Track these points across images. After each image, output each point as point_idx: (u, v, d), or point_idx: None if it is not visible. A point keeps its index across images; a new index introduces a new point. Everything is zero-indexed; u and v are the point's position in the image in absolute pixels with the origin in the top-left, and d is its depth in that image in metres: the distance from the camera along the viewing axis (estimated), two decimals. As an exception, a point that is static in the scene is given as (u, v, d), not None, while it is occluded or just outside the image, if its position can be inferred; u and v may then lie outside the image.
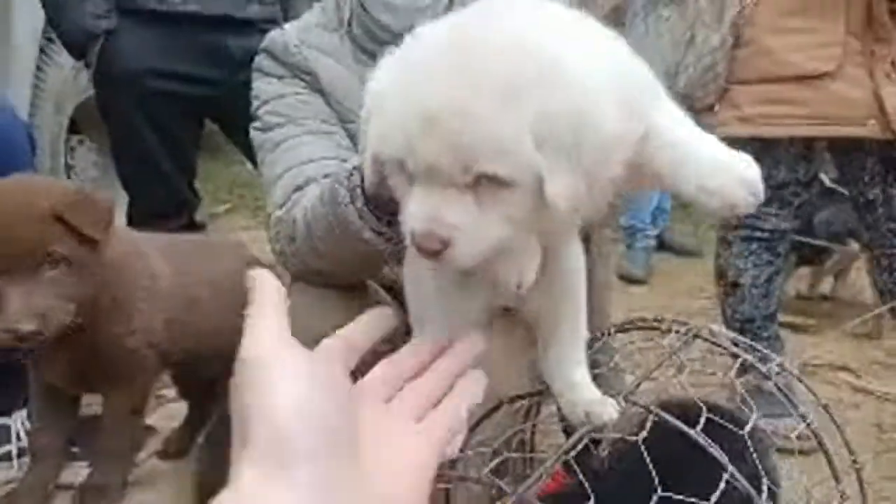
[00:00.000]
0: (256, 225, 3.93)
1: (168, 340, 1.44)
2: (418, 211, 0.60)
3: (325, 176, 1.34)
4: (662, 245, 4.04)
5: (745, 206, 0.68)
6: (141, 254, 1.45)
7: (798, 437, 1.07)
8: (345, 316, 0.62)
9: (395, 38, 0.98)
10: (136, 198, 2.35)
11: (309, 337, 0.54)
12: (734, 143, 2.11)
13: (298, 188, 1.34)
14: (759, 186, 0.68)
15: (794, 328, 2.89)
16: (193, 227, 2.44)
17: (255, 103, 1.52)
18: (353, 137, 1.47)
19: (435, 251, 0.59)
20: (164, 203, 2.34)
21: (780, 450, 1.29)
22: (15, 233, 1.19)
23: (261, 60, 1.53)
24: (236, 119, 2.32)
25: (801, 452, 1.19)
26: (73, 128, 3.13)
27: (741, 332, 2.20)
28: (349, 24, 1.52)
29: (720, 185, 0.68)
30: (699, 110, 1.90)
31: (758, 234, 2.07)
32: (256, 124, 1.50)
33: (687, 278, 3.68)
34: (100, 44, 2.12)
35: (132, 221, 2.39)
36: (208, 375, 1.69)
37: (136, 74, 2.14)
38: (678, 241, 4.16)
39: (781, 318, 2.37)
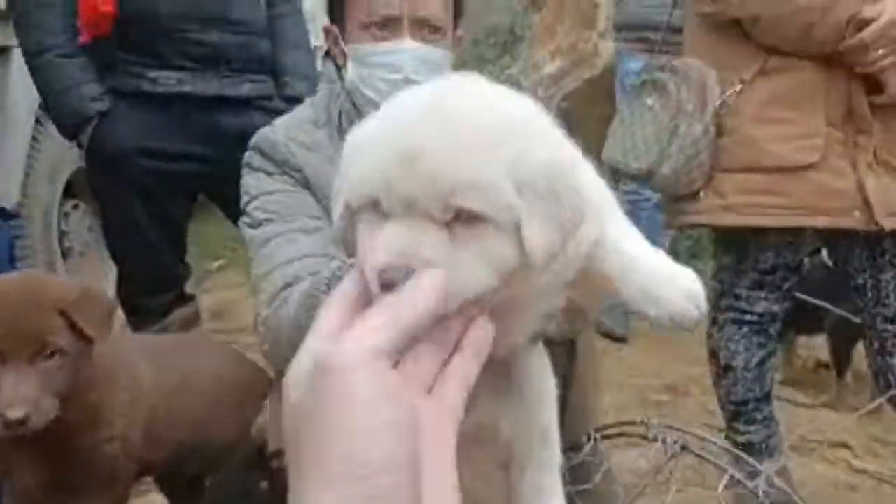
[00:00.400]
0: (249, 281, 3.97)
1: (148, 451, 1.42)
2: (389, 244, 0.56)
3: (313, 274, 1.35)
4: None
5: (689, 318, 0.70)
6: (129, 360, 1.44)
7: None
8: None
9: None
10: (127, 273, 2.36)
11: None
12: (719, 230, 2.11)
13: (287, 286, 1.35)
14: (703, 300, 0.71)
15: (792, 402, 2.85)
16: (183, 299, 2.44)
17: (244, 198, 1.54)
18: None
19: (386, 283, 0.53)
20: (155, 279, 2.35)
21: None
22: (18, 320, 1.22)
23: (251, 156, 1.55)
24: (230, 194, 2.35)
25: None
26: (69, 191, 3.17)
27: (735, 414, 2.18)
28: (339, 121, 1.54)
29: (665, 295, 0.71)
30: (684, 197, 1.91)
31: (748, 317, 2.06)
32: (246, 219, 1.52)
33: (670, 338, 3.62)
34: (93, 125, 2.14)
35: (121, 294, 2.40)
36: (192, 472, 1.66)
37: (128, 154, 2.16)
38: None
39: (780, 391, 2.33)
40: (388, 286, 0.52)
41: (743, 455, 1.59)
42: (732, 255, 2.01)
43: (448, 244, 0.57)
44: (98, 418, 1.33)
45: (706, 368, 2.47)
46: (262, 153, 1.54)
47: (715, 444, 1.61)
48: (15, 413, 1.17)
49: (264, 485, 1.46)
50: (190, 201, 2.41)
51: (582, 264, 0.73)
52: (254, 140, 1.56)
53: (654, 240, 0.76)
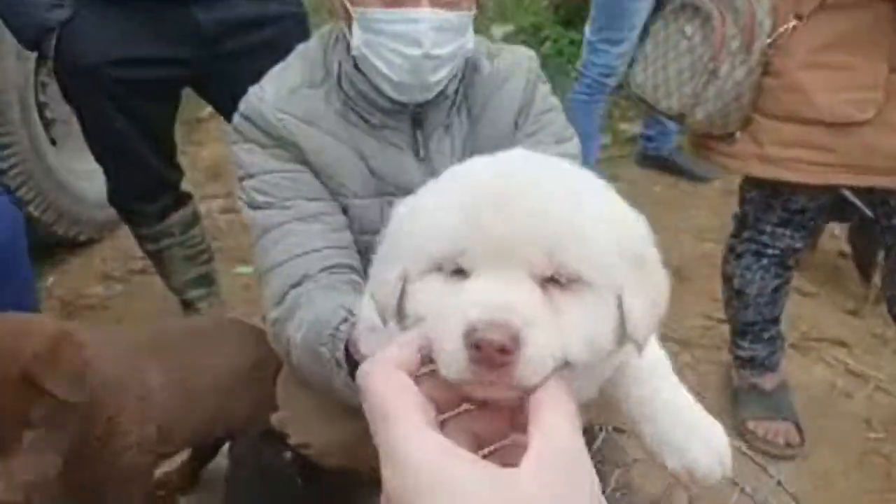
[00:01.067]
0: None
1: (162, 445, 1.43)
2: (481, 298, 0.48)
3: (321, 270, 1.30)
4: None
5: (710, 476, 0.67)
6: (137, 364, 1.40)
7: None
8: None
9: (394, 106, 1.14)
10: (115, 183, 2.23)
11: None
12: (751, 180, 1.94)
13: (294, 285, 1.30)
14: (728, 458, 0.67)
15: (801, 293, 2.83)
16: (181, 201, 2.34)
17: (238, 171, 1.43)
18: (345, 210, 1.38)
19: (503, 350, 0.46)
20: (145, 186, 2.23)
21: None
22: None
23: (240, 123, 1.40)
24: (218, 93, 2.15)
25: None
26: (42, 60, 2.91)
27: (742, 333, 2.18)
28: (339, 77, 1.36)
29: (688, 448, 0.67)
30: (716, 137, 1.73)
31: (769, 251, 1.98)
32: (242, 195, 1.43)
33: (687, 203, 3.55)
34: (55, 36, 1.89)
35: (114, 201, 2.29)
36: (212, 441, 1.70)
37: (98, 66, 1.94)
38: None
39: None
40: (480, 346, 0.45)
41: (760, 463, 1.60)
42: (761, 190, 1.88)
43: (548, 304, 0.50)
44: (113, 434, 1.32)
45: (717, 244, 2.42)
46: (253, 123, 1.38)
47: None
48: (12, 499, 1.13)
49: (288, 455, 1.48)
50: (173, 104, 2.20)
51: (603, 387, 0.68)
52: (242, 106, 1.40)
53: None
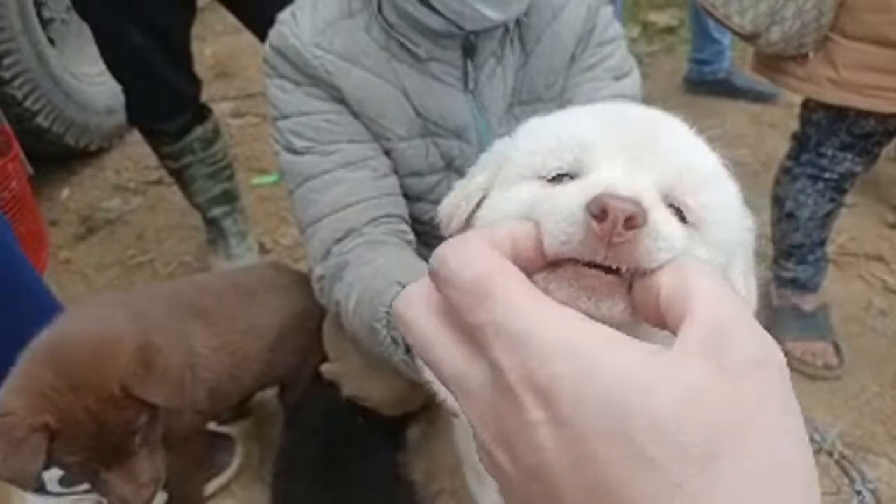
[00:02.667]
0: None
1: (213, 406, 1.40)
2: (604, 179, 0.46)
3: (368, 222, 1.23)
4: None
5: None
6: (179, 332, 1.34)
7: None
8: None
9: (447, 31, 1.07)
10: (136, 102, 2.09)
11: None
12: (821, 105, 1.80)
13: (338, 240, 1.24)
14: None
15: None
16: (201, 116, 2.20)
17: (272, 111, 1.31)
18: (387, 153, 1.28)
19: (631, 220, 0.40)
20: (166, 104, 2.09)
21: None
22: (100, 432, 1.12)
23: (273, 58, 1.27)
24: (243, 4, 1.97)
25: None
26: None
27: (788, 254, 2.13)
28: (380, 9, 1.22)
29: None
30: (786, 58, 1.59)
31: (826, 174, 1.88)
32: (277, 136, 1.31)
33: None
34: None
35: (132, 119, 2.16)
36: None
37: None
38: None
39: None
40: (606, 211, 0.39)
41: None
42: (827, 111, 1.76)
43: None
44: (168, 410, 1.28)
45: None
46: (286, 59, 1.24)
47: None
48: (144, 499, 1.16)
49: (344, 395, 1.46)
50: (191, 8, 2.01)
51: None
52: (273, 39, 1.26)
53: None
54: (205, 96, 3.24)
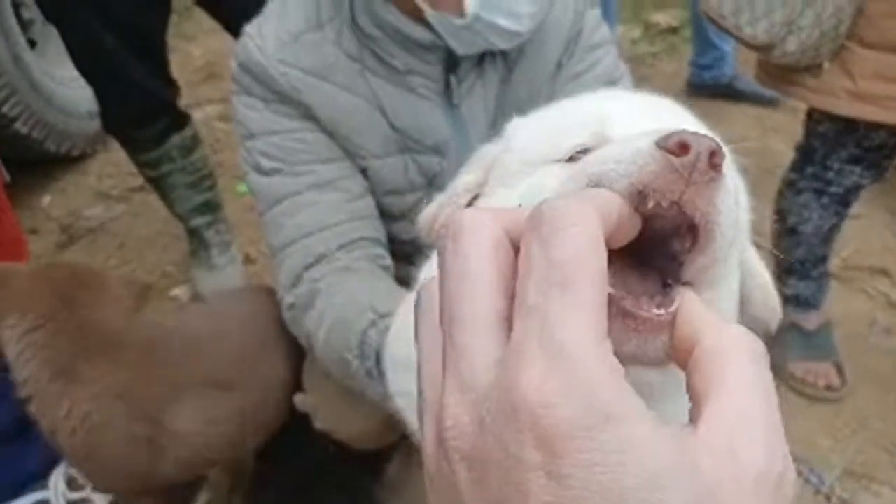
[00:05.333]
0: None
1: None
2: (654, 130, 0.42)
3: (340, 247, 1.16)
4: None
5: (767, 327, 0.70)
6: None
7: None
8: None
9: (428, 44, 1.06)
10: (109, 108, 2.01)
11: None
12: (827, 117, 1.70)
13: (309, 266, 1.17)
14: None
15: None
16: (179, 122, 2.12)
17: (240, 129, 1.23)
18: (363, 172, 1.21)
19: (714, 154, 0.36)
20: (141, 109, 2.01)
21: None
22: None
23: (239, 75, 1.19)
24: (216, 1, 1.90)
25: None
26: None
27: (789, 271, 2.05)
28: (352, 10, 1.14)
29: (754, 299, 0.69)
30: (800, 68, 1.50)
31: (832, 188, 1.80)
32: (246, 156, 1.23)
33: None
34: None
35: (107, 126, 2.08)
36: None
37: None
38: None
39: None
40: (686, 145, 0.35)
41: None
42: (834, 123, 1.67)
43: None
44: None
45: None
46: (252, 75, 1.17)
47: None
48: None
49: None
50: (166, 9, 1.93)
51: None
52: (239, 54, 1.19)
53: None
54: (192, 98, 3.19)
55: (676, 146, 0.35)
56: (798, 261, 2.01)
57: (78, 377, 1.18)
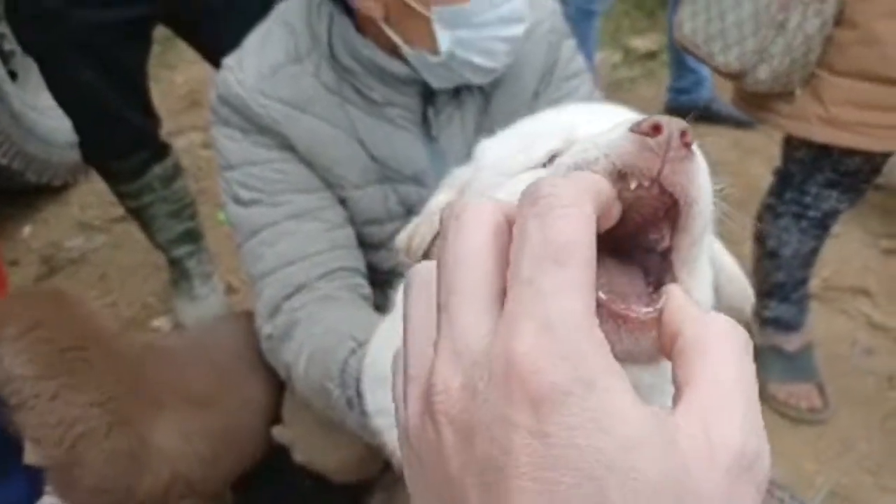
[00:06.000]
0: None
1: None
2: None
3: (319, 277, 1.16)
4: None
5: (740, 317, 0.68)
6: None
7: None
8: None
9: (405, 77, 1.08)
10: (89, 141, 2.00)
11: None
12: (804, 143, 1.70)
13: (288, 296, 1.17)
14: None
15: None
16: (160, 153, 2.11)
17: (219, 160, 1.24)
18: (343, 202, 1.22)
19: (685, 134, 0.38)
20: (121, 142, 2.01)
21: None
22: None
23: (218, 107, 1.20)
24: (196, 32, 1.91)
25: None
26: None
27: (769, 293, 2.06)
28: (330, 46, 1.15)
29: (727, 291, 0.70)
30: (773, 95, 1.52)
31: (811, 212, 1.82)
32: (225, 187, 1.24)
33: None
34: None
35: (87, 158, 2.07)
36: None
37: (60, 9, 1.67)
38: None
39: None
40: (658, 127, 0.38)
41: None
42: (810, 148, 1.69)
43: None
44: None
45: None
46: (231, 108, 1.18)
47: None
48: None
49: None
50: (146, 44, 1.94)
51: None
52: (218, 86, 1.21)
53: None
54: (175, 126, 3.19)
55: (649, 128, 0.37)
56: (778, 284, 2.03)
57: (72, 380, 1.17)
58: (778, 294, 2.05)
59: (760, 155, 3.02)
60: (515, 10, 1.05)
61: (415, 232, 0.70)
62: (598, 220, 0.31)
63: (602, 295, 0.35)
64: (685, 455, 0.26)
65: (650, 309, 0.35)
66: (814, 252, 1.94)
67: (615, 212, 0.34)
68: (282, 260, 1.16)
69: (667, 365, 0.32)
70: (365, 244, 1.27)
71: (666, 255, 0.41)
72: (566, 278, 0.28)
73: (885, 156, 1.65)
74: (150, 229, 2.21)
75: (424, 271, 0.33)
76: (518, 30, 1.07)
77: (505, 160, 0.58)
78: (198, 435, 1.26)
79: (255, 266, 1.18)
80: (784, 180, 1.82)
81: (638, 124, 0.38)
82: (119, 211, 2.74)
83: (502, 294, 0.29)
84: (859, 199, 1.80)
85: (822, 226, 1.86)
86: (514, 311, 0.28)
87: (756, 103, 1.60)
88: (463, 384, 0.28)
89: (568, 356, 0.26)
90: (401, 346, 0.33)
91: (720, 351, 0.30)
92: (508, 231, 0.31)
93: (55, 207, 2.82)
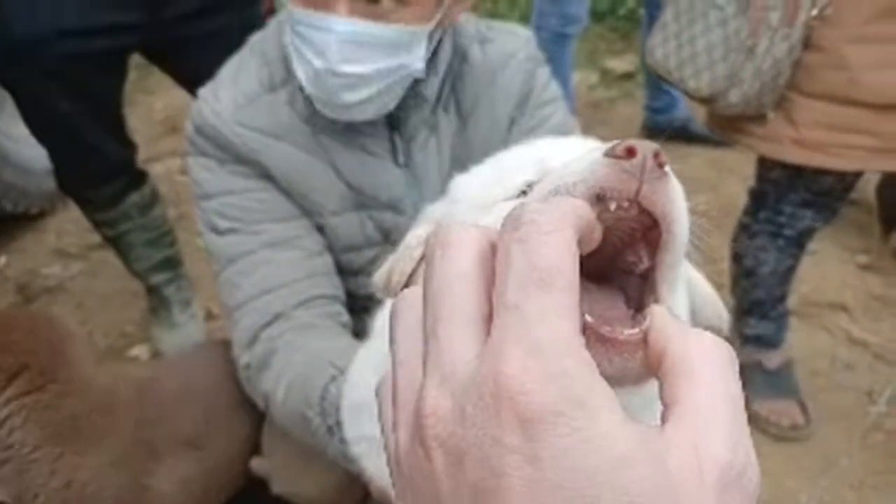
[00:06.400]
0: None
1: None
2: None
3: (297, 305, 1.15)
4: None
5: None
6: None
7: None
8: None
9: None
10: (65, 170, 1.98)
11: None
12: (778, 163, 1.71)
13: (265, 325, 1.16)
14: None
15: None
16: (137, 181, 2.10)
17: (195, 188, 1.24)
18: (321, 229, 1.22)
19: (659, 155, 0.39)
20: (97, 171, 1.99)
21: None
22: None
23: (194, 137, 1.20)
24: (174, 61, 1.91)
25: None
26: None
27: (749, 312, 2.08)
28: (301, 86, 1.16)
29: (704, 314, 0.72)
30: (745, 117, 1.55)
31: (786, 231, 1.84)
32: (201, 216, 1.24)
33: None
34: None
35: (63, 187, 2.06)
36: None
37: (35, 41, 1.66)
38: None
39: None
40: (632, 151, 0.38)
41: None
42: (784, 168, 1.72)
43: None
44: None
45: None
46: (207, 137, 1.18)
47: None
48: None
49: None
50: (122, 72, 1.93)
51: None
52: (194, 117, 1.21)
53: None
54: (153, 152, 3.17)
55: (623, 151, 0.38)
56: (757, 302, 2.04)
57: (78, 443, 1.14)
58: (757, 312, 2.07)
59: (737, 174, 3.06)
60: (321, 43, 1.04)
61: (393, 268, 0.71)
62: (580, 244, 0.31)
63: (588, 318, 0.35)
64: (675, 471, 0.27)
65: (636, 330, 0.35)
66: (791, 269, 1.96)
67: (597, 235, 0.34)
68: (259, 288, 1.16)
69: (654, 385, 0.33)
70: (343, 271, 1.27)
71: (645, 277, 0.42)
72: (551, 302, 0.28)
73: (858, 174, 1.68)
74: (128, 258, 2.19)
75: (410, 297, 0.33)
76: (318, 64, 1.06)
77: (480, 193, 0.59)
78: (193, 478, 1.25)
79: (232, 296, 1.18)
80: (758, 200, 1.84)
81: (612, 149, 0.39)
82: (96, 238, 2.71)
83: (489, 318, 0.30)
84: (834, 216, 1.83)
85: (798, 244, 1.88)
86: (501, 337, 0.28)
87: (729, 125, 1.62)
88: (452, 408, 0.28)
89: (556, 377, 0.27)
90: (388, 373, 0.33)
91: (706, 368, 0.30)
92: (493, 256, 0.31)
93: (32, 235, 2.79)
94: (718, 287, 2.39)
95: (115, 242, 2.15)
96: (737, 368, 0.31)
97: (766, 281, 1.97)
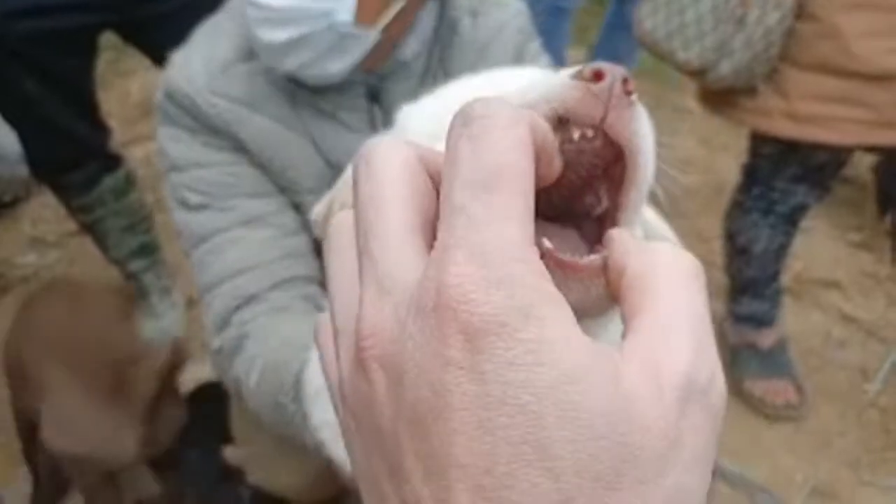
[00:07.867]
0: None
1: None
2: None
3: (272, 287, 1.10)
4: None
5: None
6: None
7: None
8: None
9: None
10: (35, 154, 1.92)
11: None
12: (770, 138, 1.67)
13: (238, 308, 1.10)
14: None
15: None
16: (111, 164, 2.03)
17: (164, 162, 1.17)
18: (297, 208, 1.16)
19: (627, 81, 0.36)
20: (69, 155, 1.92)
21: None
22: None
23: (165, 105, 1.13)
24: (147, 40, 1.84)
25: None
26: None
27: (742, 290, 2.04)
28: None
29: None
30: (736, 91, 1.49)
31: (779, 207, 1.80)
32: (171, 191, 1.18)
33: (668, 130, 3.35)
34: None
35: (35, 172, 1.99)
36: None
37: (13, 15, 1.59)
38: None
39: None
40: (600, 74, 0.35)
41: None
42: (777, 144, 1.67)
43: None
44: None
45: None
46: (179, 105, 1.11)
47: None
48: None
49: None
50: (92, 52, 1.85)
51: None
52: (165, 84, 1.12)
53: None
54: (131, 135, 3.08)
55: (591, 74, 0.35)
56: (751, 279, 2.00)
57: None
58: (750, 290, 2.03)
59: (730, 151, 3.01)
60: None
61: (332, 201, 0.66)
62: (540, 172, 0.28)
63: (547, 244, 0.32)
64: (630, 387, 0.24)
65: (596, 256, 0.33)
66: (784, 247, 1.92)
67: (557, 163, 0.31)
68: (231, 269, 1.10)
69: (617, 314, 0.30)
70: (318, 254, 1.22)
71: (602, 220, 0.39)
72: (501, 203, 0.25)
73: (852, 150, 1.63)
74: (105, 244, 2.12)
75: (341, 222, 0.31)
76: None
77: (430, 122, 0.55)
78: None
79: (204, 275, 1.11)
80: (751, 175, 1.79)
81: (580, 71, 0.36)
82: (73, 226, 2.64)
83: (424, 227, 0.28)
84: (827, 193, 1.78)
85: (791, 221, 1.84)
86: (445, 240, 0.25)
87: (720, 100, 1.56)
88: (392, 324, 0.26)
89: (502, 284, 0.24)
90: (324, 313, 0.31)
91: (666, 280, 0.28)
92: (424, 171, 0.29)
93: (6, 223, 2.71)
94: (710, 266, 2.37)
95: (92, 229, 2.09)
96: (702, 281, 0.28)
97: (759, 259, 1.93)
